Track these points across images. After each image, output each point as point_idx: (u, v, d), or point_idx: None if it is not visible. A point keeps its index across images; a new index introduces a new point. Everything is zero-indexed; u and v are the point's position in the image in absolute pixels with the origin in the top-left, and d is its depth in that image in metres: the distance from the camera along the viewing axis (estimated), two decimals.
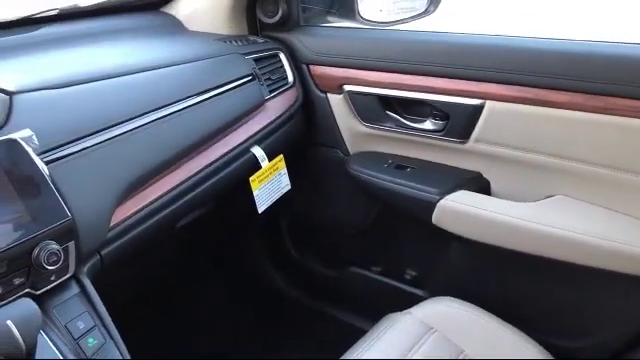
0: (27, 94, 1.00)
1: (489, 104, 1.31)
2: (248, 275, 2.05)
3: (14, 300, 0.85)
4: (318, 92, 1.58)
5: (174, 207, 1.21)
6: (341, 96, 1.54)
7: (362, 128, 1.55)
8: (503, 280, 1.47)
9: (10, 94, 0.97)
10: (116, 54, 1.33)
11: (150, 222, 1.14)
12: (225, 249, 1.98)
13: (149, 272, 1.52)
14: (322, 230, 1.87)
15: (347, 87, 1.51)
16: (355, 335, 1.27)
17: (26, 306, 0.79)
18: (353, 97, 1.51)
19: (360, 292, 1.81)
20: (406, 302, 1.38)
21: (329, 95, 1.57)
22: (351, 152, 1.62)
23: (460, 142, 1.40)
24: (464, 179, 1.43)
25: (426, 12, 1.51)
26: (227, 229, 1.84)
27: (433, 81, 1.39)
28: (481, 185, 1.43)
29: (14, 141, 0.90)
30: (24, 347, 0.76)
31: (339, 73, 1.52)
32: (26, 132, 0.92)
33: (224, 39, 1.52)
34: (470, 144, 1.39)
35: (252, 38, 1.59)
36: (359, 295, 1.82)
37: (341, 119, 1.58)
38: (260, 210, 1.46)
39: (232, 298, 2.03)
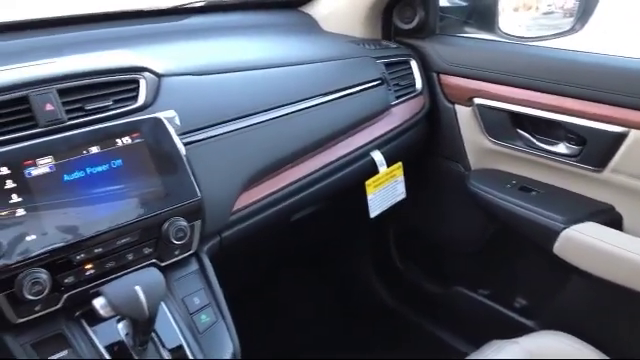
0: (174, 77, 1.07)
1: (634, 133, 1.21)
2: (350, 278, 2.05)
3: (142, 268, 0.91)
4: (446, 102, 1.55)
5: (292, 200, 1.24)
6: (469, 109, 1.49)
7: (488, 144, 1.49)
8: (623, 322, 1.35)
9: (159, 76, 1.04)
10: (255, 48, 1.39)
11: (269, 212, 1.18)
12: (331, 249, 1.99)
13: (259, 261, 1.57)
14: (431, 244, 1.83)
15: (477, 100, 1.47)
16: (449, 355, 1.23)
17: (153, 275, 0.84)
18: (482, 111, 1.46)
19: (463, 313, 1.74)
20: (511, 331, 1.31)
21: (457, 106, 1.53)
22: (473, 167, 1.57)
23: (595, 170, 1.31)
24: (594, 210, 1.34)
25: (572, 30, 1.43)
26: (336, 229, 1.86)
27: (571, 102, 1.30)
28: (612, 219, 1.33)
29: (159, 120, 0.96)
30: (147, 313, 0.80)
31: (470, 85, 1.48)
32: (170, 113, 0.98)
33: (357, 42, 1.53)
34: (606, 174, 1.29)
35: (385, 43, 1.59)
36: (461, 316, 1.75)
37: (466, 132, 1.53)
38: (372, 215, 1.46)
39: (331, 298, 2.04)
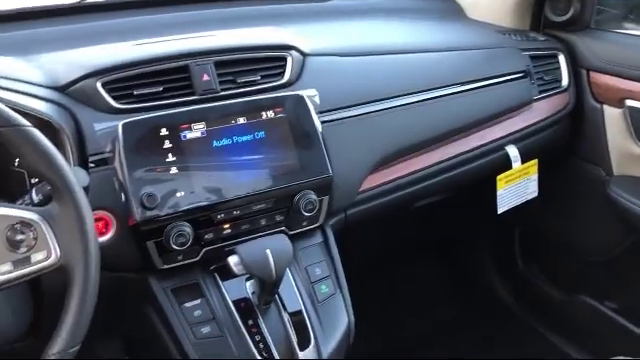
0: (318, 57, 1.12)
1: None
2: (468, 272, 2.02)
3: (272, 234, 0.97)
4: (593, 102, 1.45)
5: (418, 187, 1.24)
6: (620, 110, 1.39)
7: (637, 150, 1.39)
8: None
9: (305, 55, 1.09)
10: (398, 32, 1.40)
11: (394, 195, 1.20)
12: (453, 241, 1.97)
13: (379, 243, 1.59)
14: (559, 248, 1.74)
15: (630, 102, 1.36)
16: None
17: (283, 241, 0.90)
18: (635, 114, 1.36)
19: (586, 324, 1.65)
20: (639, 351, 1.23)
21: (605, 107, 1.43)
22: (615, 173, 1.46)
23: None
24: None
25: None
26: (460, 222, 1.83)
27: None
28: None
29: (301, 97, 1.01)
30: (274, 275, 0.86)
31: (624, 85, 1.37)
32: (312, 91, 1.03)
33: (503, 31, 1.48)
34: None
35: (532, 34, 1.52)
36: (584, 327, 1.66)
37: (613, 135, 1.43)
38: (499, 211, 1.42)
39: (447, 289, 2.03)
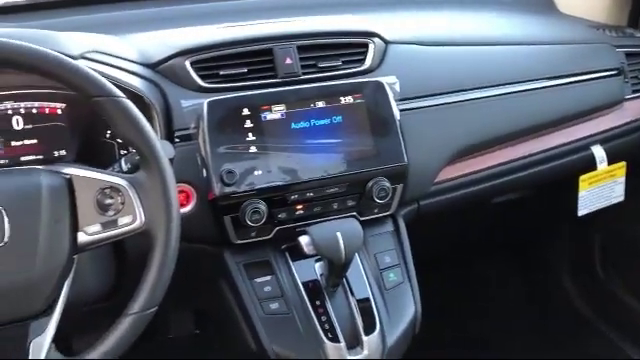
0: (400, 45, 1.11)
1: None
2: (544, 274, 1.94)
3: (343, 218, 0.98)
4: None
5: (496, 182, 1.21)
6: None
7: None
8: None
9: (387, 43, 1.09)
10: (484, 23, 1.37)
11: (470, 189, 1.17)
12: (529, 241, 1.90)
13: (452, 236, 1.57)
14: None
15: None
16: None
17: (354, 225, 0.91)
18: None
19: None
20: None
21: None
22: None
23: None
24: None
25: None
26: (537, 222, 1.77)
27: None
28: None
29: (381, 84, 1.01)
30: (344, 258, 0.87)
31: None
32: (392, 79, 1.03)
33: (597, 27, 1.41)
34: None
35: (629, 31, 1.44)
36: None
37: None
38: (580, 213, 1.36)
39: (518, 293, 1.96)
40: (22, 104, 0.95)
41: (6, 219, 0.67)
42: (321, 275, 0.98)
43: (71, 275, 0.72)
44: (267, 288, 0.95)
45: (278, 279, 0.96)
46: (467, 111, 1.11)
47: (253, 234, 0.96)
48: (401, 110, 1.02)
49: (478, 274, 1.90)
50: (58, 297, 0.71)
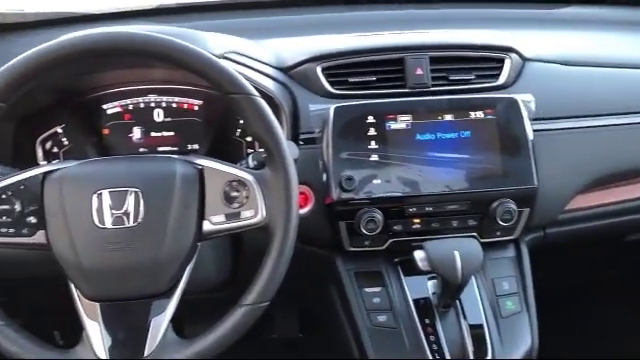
0: (538, 63, 1.06)
1: None
2: None
3: (461, 237, 0.94)
4: None
5: (632, 218, 1.11)
6: None
7: None
8: None
9: (525, 59, 1.04)
10: (631, 45, 1.26)
11: (603, 222, 1.09)
12: None
13: (578, 270, 1.45)
14: None
15: None
16: None
17: (473, 245, 0.87)
18: None
19: None
20: None
21: None
22: None
23: None
24: None
25: None
26: None
27: None
28: None
29: (515, 101, 0.96)
30: (459, 278, 0.84)
31: None
32: (528, 97, 0.98)
33: None
34: None
35: None
36: None
37: None
38: None
39: None
40: (164, 98, 1.03)
41: (142, 201, 0.71)
42: (433, 294, 0.94)
43: (193, 261, 0.75)
44: (376, 299, 0.94)
45: (388, 292, 0.95)
46: (605, 137, 1.03)
47: (367, 243, 0.95)
48: (534, 130, 0.97)
49: (600, 315, 1.74)
50: (179, 280, 0.74)
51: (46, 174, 0.73)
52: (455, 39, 1.05)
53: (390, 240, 0.95)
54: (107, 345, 0.72)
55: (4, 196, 0.72)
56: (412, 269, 0.91)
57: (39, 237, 0.72)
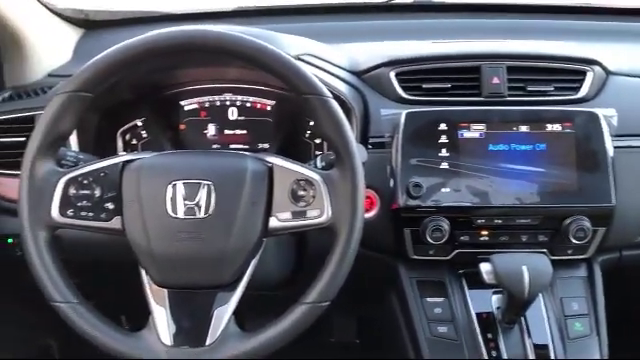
0: (623, 77, 1.01)
1: None
2: None
3: (531, 253, 0.91)
4: None
5: None
6: None
7: None
8: None
9: (608, 72, 1.00)
10: None
11: None
12: None
13: None
14: None
15: None
16: None
17: (543, 262, 0.84)
18: None
19: None
20: None
21: None
22: None
23: None
24: None
25: None
26: None
27: None
28: None
29: (596, 116, 0.93)
30: (526, 294, 0.81)
31: None
32: (610, 111, 0.94)
33: None
34: None
35: None
36: None
37: None
38: None
39: None
40: (239, 97, 1.05)
41: (213, 194, 0.74)
42: (497, 308, 0.92)
43: (258, 256, 0.77)
44: (437, 310, 0.92)
45: (450, 303, 0.93)
46: None
47: (431, 252, 0.93)
48: (615, 147, 0.93)
49: None
50: (244, 274, 0.76)
51: (125, 163, 0.76)
52: (535, 49, 1.02)
53: (455, 251, 0.94)
54: (172, 331, 0.74)
55: (85, 182, 0.75)
56: (476, 281, 0.89)
57: (115, 223, 0.75)
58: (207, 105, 1.05)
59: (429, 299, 0.93)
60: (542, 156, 0.91)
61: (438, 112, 0.94)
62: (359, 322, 1.42)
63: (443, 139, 0.92)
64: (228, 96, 1.05)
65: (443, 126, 0.92)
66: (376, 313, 1.15)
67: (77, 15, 1.25)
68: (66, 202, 0.75)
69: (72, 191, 0.75)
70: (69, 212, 0.75)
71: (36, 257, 0.73)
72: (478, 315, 0.92)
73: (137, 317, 0.79)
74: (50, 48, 1.14)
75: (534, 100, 0.96)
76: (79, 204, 0.75)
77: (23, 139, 0.97)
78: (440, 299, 0.93)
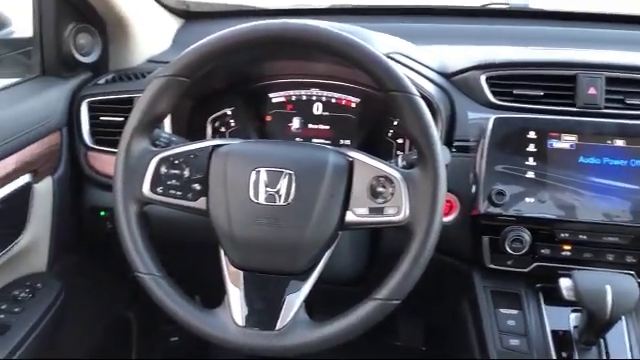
0: None
1: None
2: None
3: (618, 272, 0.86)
4: None
5: None
6: None
7: None
8: None
9: None
10: None
11: None
12: None
13: None
14: None
15: None
16: None
17: (629, 282, 0.80)
18: None
19: None
20: None
21: None
22: None
23: None
24: None
25: None
26: None
27: None
28: None
29: None
30: (608, 315, 0.77)
31: None
32: None
33: None
34: None
35: None
36: None
37: None
38: None
39: None
40: (325, 93, 1.07)
41: (294, 183, 0.75)
42: (575, 327, 0.88)
43: (332, 248, 0.77)
44: (511, 322, 0.90)
45: (525, 316, 0.90)
46: None
47: (509, 262, 0.91)
48: None
49: None
50: (317, 264, 0.77)
51: (215, 147, 0.80)
52: (637, 61, 0.96)
53: (535, 264, 0.90)
54: (244, 313, 0.76)
55: (176, 162, 0.79)
56: (554, 297, 0.86)
57: (200, 203, 0.78)
58: (294, 99, 1.08)
59: (503, 310, 0.91)
60: (637, 173, 0.86)
61: (528, 119, 0.91)
62: (426, 328, 1.40)
63: (531, 147, 0.89)
64: (315, 91, 1.07)
65: (532, 134, 0.90)
66: (445, 320, 1.13)
67: (179, 6, 1.31)
68: (157, 180, 0.79)
69: (163, 170, 0.79)
70: (159, 189, 0.79)
71: (126, 228, 0.78)
72: (553, 332, 0.88)
73: (211, 298, 0.82)
74: (152, 35, 1.21)
75: (633, 114, 0.90)
76: (169, 182, 0.79)
77: (121, 119, 1.03)
78: (514, 311, 0.91)
